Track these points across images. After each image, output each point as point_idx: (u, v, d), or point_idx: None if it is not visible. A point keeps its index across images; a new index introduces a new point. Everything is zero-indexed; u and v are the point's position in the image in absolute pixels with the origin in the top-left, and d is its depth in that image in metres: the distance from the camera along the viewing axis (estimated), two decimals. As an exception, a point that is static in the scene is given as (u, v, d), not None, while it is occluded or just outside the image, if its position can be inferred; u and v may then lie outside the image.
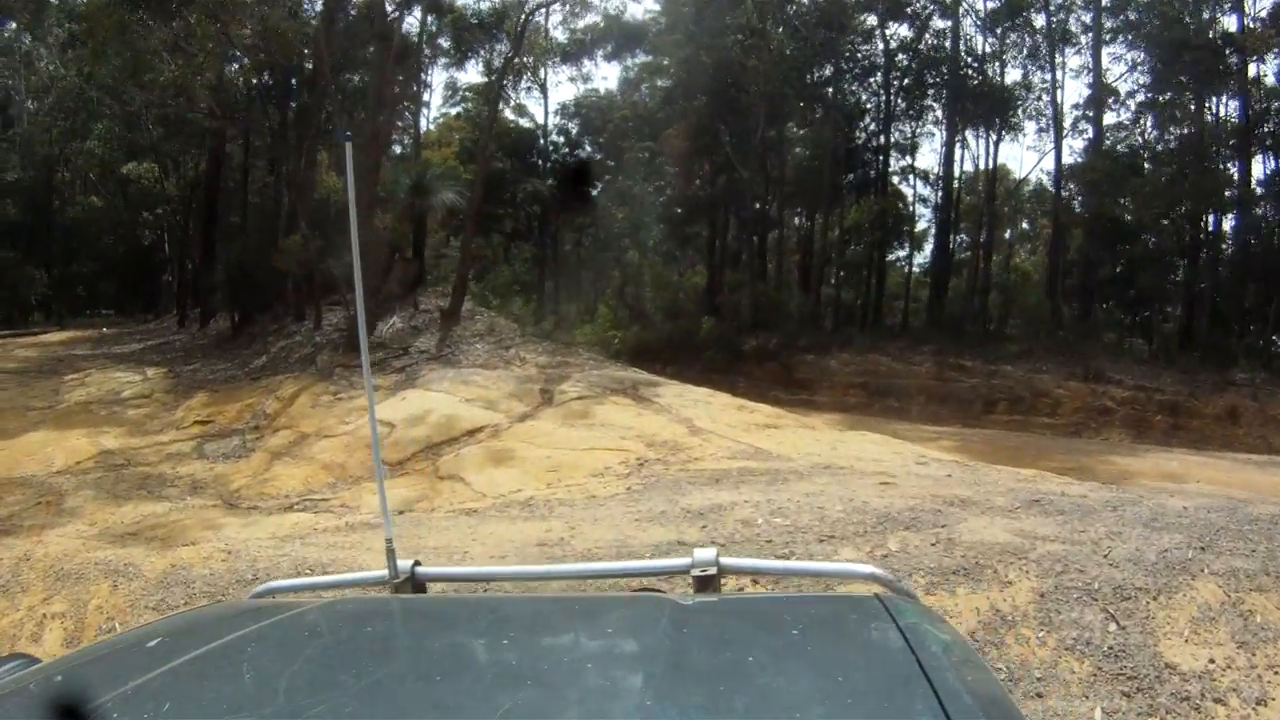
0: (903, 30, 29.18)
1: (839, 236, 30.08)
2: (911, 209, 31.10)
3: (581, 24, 31.87)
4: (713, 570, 1.49)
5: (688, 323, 26.49)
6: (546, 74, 32.26)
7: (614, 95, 34.78)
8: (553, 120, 34.05)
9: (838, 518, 5.86)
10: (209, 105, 20.46)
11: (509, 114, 32.16)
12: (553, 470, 8.64)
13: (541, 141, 33.31)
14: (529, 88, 32.19)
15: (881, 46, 29.53)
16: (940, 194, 30.04)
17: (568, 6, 28.60)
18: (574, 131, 34.67)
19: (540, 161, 32.53)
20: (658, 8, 32.40)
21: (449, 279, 20.22)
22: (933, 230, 31.10)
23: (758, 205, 29.89)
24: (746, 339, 25.76)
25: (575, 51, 32.93)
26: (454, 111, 34.13)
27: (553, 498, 7.54)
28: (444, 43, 26.52)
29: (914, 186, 31.42)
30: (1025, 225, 34.33)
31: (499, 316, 18.07)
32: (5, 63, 30.89)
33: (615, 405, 11.43)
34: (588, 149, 34.69)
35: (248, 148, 23.19)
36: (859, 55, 30.03)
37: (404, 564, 1.60)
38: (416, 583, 1.61)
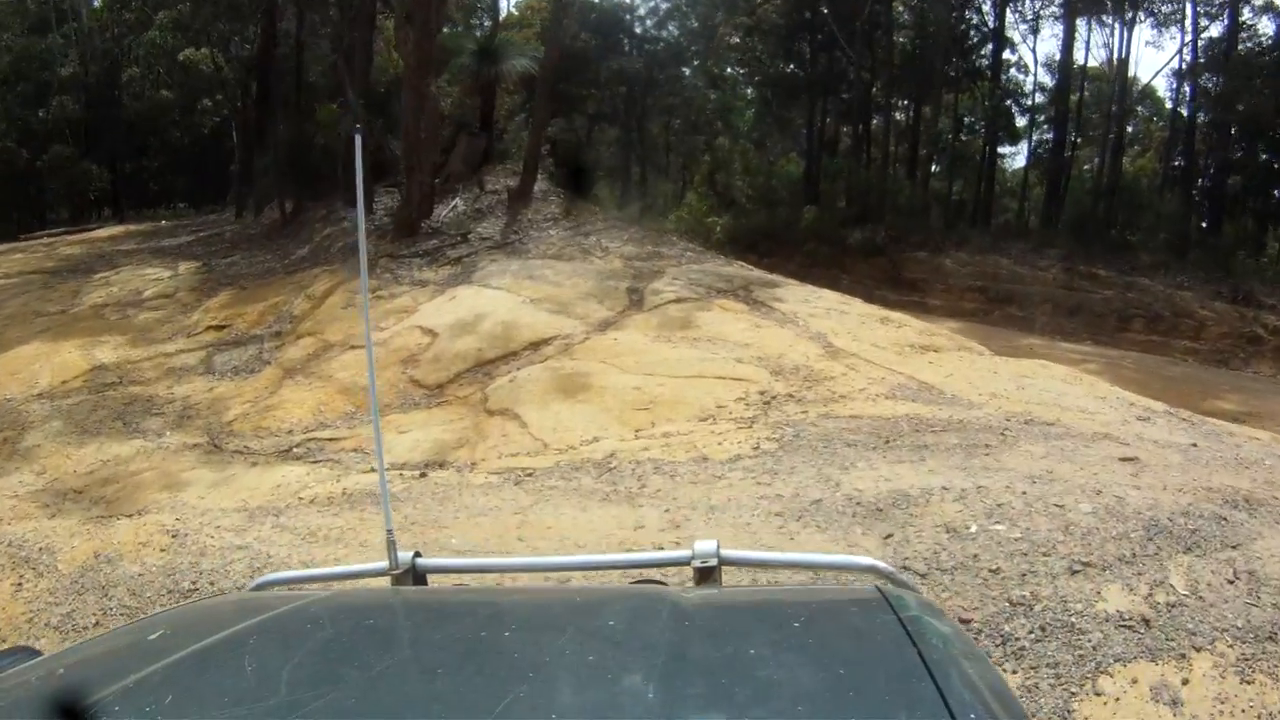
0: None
1: (950, 126, 27.63)
2: (1030, 99, 28.27)
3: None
4: (714, 562, 1.40)
5: (786, 212, 24.02)
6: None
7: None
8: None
9: (1089, 526, 3.97)
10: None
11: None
12: (644, 409, 6.07)
13: (628, 18, 30.50)
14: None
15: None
16: (1057, 83, 26.88)
17: None
18: (663, 10, 31.67)
19: (626, 40, 29.88)
20: None
21: (521, 157, 17.70)
22: (1047, 125, 28.20)
23: (862, 87, 26.42)
24: (850, 231, 23.47)
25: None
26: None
27: (644, 457, 5.07)
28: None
29: (1035, 75, 28.72)
30: (1130, 128, 31.08)
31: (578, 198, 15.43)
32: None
33: (724, 311, 8.73)
34: (675, 29, 31.95)
35: (302, 20, 20.75)
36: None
37: (404, 555, 1.49)
38: (417, 574, 1.50)
